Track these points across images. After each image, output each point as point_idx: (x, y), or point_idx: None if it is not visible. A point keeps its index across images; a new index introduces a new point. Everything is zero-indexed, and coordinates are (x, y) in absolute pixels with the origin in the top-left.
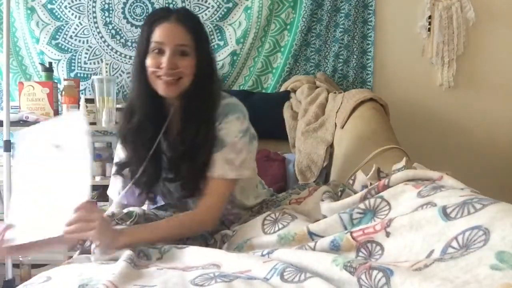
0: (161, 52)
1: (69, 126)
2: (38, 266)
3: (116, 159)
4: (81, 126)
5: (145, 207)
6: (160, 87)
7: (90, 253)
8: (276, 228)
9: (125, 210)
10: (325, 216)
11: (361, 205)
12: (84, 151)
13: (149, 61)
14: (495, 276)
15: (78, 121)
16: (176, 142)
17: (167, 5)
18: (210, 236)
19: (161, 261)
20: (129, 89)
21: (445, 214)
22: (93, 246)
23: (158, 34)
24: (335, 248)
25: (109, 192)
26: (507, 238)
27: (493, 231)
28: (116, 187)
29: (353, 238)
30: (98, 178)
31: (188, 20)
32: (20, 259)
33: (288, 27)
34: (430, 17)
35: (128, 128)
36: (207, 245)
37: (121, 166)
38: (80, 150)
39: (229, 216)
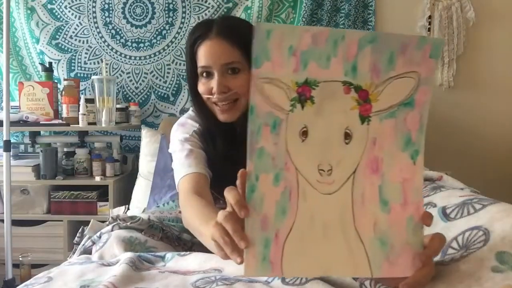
0: (209, 75)
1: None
2: (38, 266)
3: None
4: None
5: (146, 216)
6: (218, 114)
7: (90, 253)
8: None
9: (129, 214)
10: None
11: None
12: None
13: (200, 88)
14: (496, 279)
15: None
16: None
17: (167, 5)
18: None
19: (164, 267)
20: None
21: (445, 214)
22: (94, 248)
23: (201, 57)
24: None
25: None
26: (507, 238)
27: (493, 231)
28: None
29: None
30: (98, 178)
31: (231, 31)
32: (20, 259)
33: None
34: (430, 17)
35: (215, 154)
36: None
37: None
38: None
39: None
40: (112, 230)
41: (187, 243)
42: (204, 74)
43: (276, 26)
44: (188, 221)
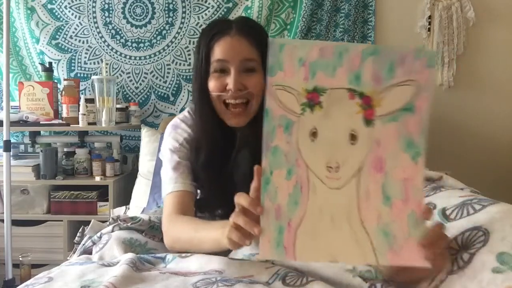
0: (224, 72)
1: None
2: (38, 266)
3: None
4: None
5: (147, 217)
6: (228, 118)
7: (91, 254)
8: None
9: (130, 215)
10: None
11: None
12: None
13: (211, 84)
14: (497, 280)
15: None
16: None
17: (167, 5)
18: None
19: (165, 269)
20: (194, 119)
21: (445, 216)
22: (94, 249)
23: (219, 51)
24: None
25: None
26: (507, 238)
27: (493, 232)
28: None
29: None
30: (98, 178)
31: (251, 31)
32: (20, 258)
33: (288, 27)
34: (430, 17)
35: (198, 166)
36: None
37: (201, 205)
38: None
39: None
40: (112, 231)
41: None
42: (219, 70)
43: (288, 41)
44: (177, 236)
